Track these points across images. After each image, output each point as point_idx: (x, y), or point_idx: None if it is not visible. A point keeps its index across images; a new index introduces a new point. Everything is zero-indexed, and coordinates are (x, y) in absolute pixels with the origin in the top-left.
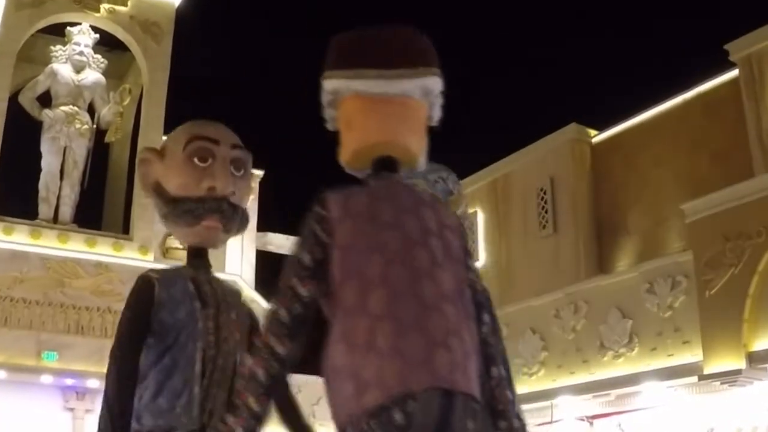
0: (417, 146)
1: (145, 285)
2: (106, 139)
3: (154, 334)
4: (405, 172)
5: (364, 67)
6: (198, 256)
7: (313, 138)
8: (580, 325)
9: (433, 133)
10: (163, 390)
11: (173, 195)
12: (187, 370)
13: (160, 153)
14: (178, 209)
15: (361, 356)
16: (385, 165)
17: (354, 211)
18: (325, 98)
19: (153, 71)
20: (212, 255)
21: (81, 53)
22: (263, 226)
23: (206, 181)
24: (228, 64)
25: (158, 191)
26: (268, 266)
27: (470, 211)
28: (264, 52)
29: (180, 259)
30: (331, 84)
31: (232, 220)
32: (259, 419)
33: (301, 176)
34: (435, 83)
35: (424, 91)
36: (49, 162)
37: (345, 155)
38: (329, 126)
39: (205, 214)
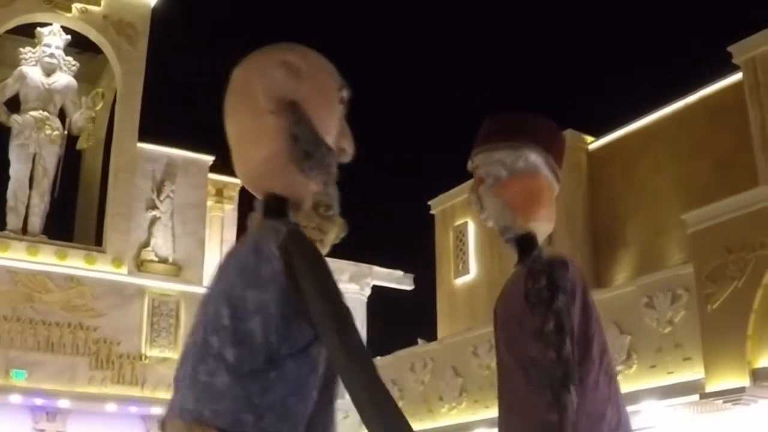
0: None
1: None
2: (78, 146)
3: None
4: None
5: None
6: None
7: None
8: None
9: (423, 142)
10: None
11: (321, 137)
12: None
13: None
14: (324, 158)
15: None
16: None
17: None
18: (512, 159)
19: (127, 75)
20: (190, 266)
21: (51, 55)
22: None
23: (345, 140)
24: (208, 67)
25: (299, 118)
26: None
27: (461, 222)
28: (244, 50)
29: (156, 272)
30: (531, 154)
31: None
32: None
33: None
34: None
35: None
36: (17, 170)
37: (544, 224)
38: (482, 173)
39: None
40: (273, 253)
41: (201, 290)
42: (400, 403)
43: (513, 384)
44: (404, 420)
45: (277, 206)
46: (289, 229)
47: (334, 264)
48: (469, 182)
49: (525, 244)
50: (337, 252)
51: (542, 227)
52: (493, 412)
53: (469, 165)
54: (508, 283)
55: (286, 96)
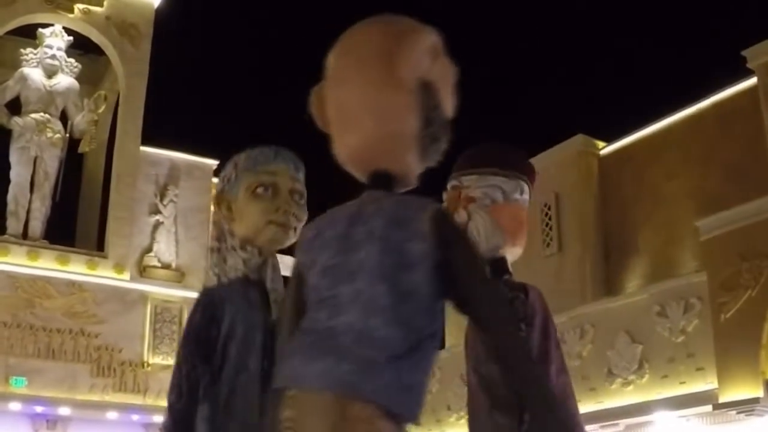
0: None
1: None
2: (80, 149)
3: None
4: None
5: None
6: None
7: (301, 143)
8: (587, 350)
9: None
10: None
11: (449, 125)
12: None
13: None
14: (443, 146)
15: None
16: None
17: None
18: (510, 187)
19: (130, 76)
20: (193, 272)
21: (53, 57)
22: None
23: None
24: (213, 69)
25: (437, 103)
26: None
27: None
28: (249, 54)
29: (159, 278)
30: (525, 187)
31: None
32: None
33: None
34: None
35: None
36: (18, 173)
37: (519, 250)
38: (476, 193)
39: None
40: (424, 232)
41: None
42: None
43: (478, 403)
44: (572, 411)
45: (387, 184)
46: (438, 209)
47: None
48: None
49: (499, 267)
50: None
51: (517, 252)
52: None
53: (454, 183)
54: None
55: (424, 76)
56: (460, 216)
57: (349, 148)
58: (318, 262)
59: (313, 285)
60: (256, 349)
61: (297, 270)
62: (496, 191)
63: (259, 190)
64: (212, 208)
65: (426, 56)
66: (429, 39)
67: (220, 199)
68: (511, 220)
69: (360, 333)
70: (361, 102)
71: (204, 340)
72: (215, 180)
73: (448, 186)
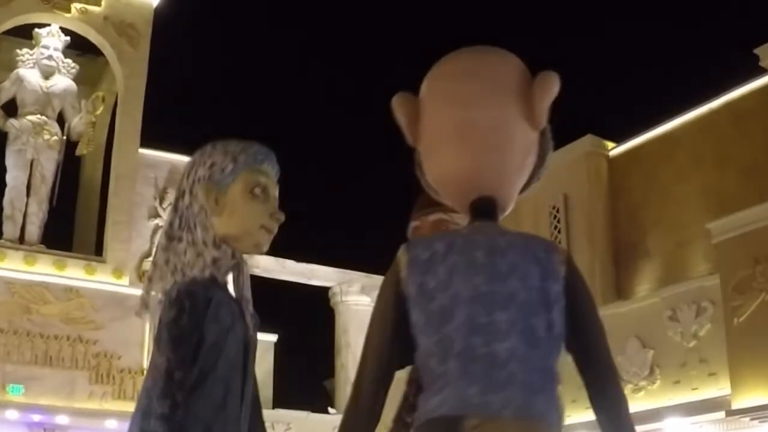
0: None
1: None
2: (78, 152)
3: None
4: None
5: None
6: None
7: (302, 150)
8: None
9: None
10: None
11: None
12: None
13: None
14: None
15: None
16: None
17: None
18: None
19: (128, 77)
20: None
21: (50, 57)
22: None
23: None
24: (213, 69)
25: (549, 140)
26: (254, 291)
27: None
28: (249, 54)
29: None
30: None
31: None
32: None
33: (289, 191)
34: None
35: None
36: (14, 176)
37: None
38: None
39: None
40: (558, 273)
41: None
42: None
43: None
44: None
45: (494, 213)
46: (568, 252)
47: (344, 275)
48: None
49: None
50: (348, 263)
51: None
52: None
53: (442, 216)
54: None
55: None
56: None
57: (462, 169)
58: (458, 288)
59: (458, 310)
60: (238, 367)
61: (407, 289)
62: None
63: (257, 190)
64: (186, 192)
65: (551, 102)
66: (557, 86)
67: (209, 187)
68: None
69: (527, 362)
70: (496, 130)
71: (195, 346)
72: None
73: (431, 217)
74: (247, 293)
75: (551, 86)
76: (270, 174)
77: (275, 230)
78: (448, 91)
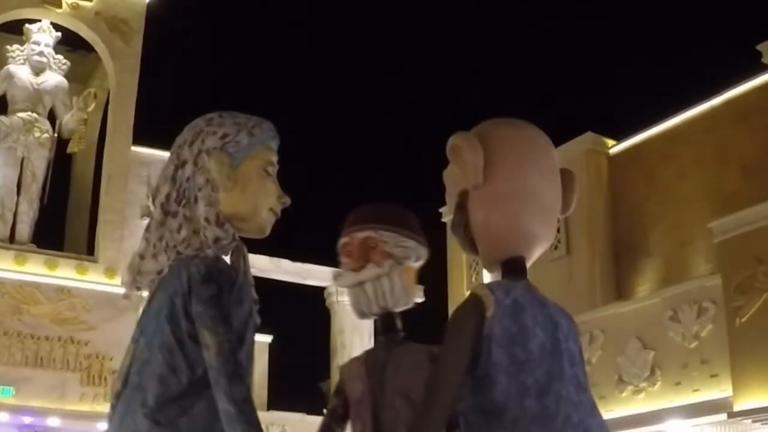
0: None
1: None
2: (69, 149)
3: None
4: None
5: None
6: None
7: (297, 149)
8: (596, 357)
9: (434, 144)
10: None
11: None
12: None
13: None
14: None
15: None
16: None
17: None
18: (422, 251)
19: (121, 74)
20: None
21: (41, 53)
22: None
23: None
24: (207, 65)
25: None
26: None
27: None
28: (243, 50)
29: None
30: None
31: None
32: None
33: (284, 190)
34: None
35: None
36: (4, 175)
37: None
38: (389, 247)
39: None
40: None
41: None
42: None
43: None
44: None
45: (525, 272)
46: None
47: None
48: None
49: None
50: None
51: None
52: None
53: (370, 234)
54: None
55: None
56: (372, 269)
57: (518, 227)
58: (543, 368)
59: (556, 386)
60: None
61: (493, 329)
62: (411, 254)
63: (270, 169)
64: (188, 162)
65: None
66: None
67: (222, 160)
68: (412, 283)
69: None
70: (553, 205)
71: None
72: None
73: (360, 234)
74: (251, 278)
75: (577, 186)
76: (276, 154)
77: (279, 215)
78: (530, 157)
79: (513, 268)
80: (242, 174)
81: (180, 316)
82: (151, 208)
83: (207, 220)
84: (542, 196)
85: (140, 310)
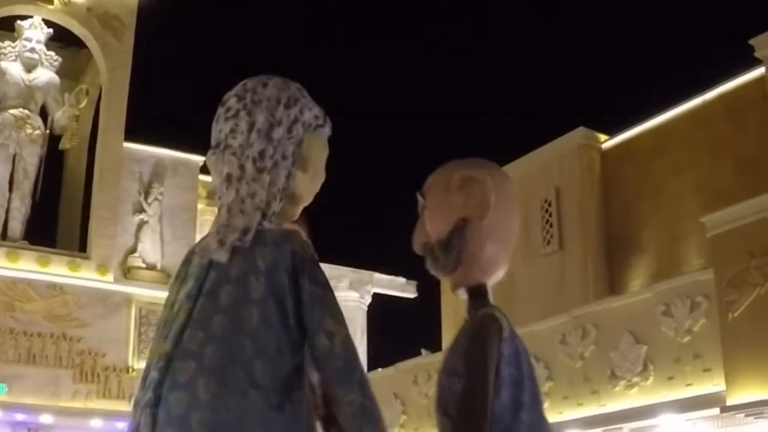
0: None
1: None
2: (61, 146)
3: None
4: None
5: None
6: None
7: None
8: (589, 351)
9: (423, 139)
10: None
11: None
12: None
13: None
14: None
15: None
16: None
17: None
18: None
19: (113, 70)
20: None
21: (32, 50)
22: None
23: None
24: (199, 61)
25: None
26: None
27: None
28: (235, 47)
29: (144, 280)
30: None
31: None
32: None
33: None
34: None
35: None
36: None
37: None
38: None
39: None
40: None
41: None
42: (402, 418)
43: None
44: None
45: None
46: None
47: (332, 270)
48: None
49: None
50: (337, 258)
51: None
52: None
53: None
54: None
55: None
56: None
57: (504, 265)
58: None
59: (538, 405)
60: None
61: (505, 349)
62: None
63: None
64: (282, 125)
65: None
66: None
67: (316, 139)
68: None
69: None
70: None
71: None
72: (202, 177)
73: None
74: None
75: None
76: None
77: None
78: (516, 202)
79: (483, 293)
80: (316, 162)
81: (286, 293)
82: (143, 205)
83: (278, 190)
84: (515, 235)
85: (131, 309)
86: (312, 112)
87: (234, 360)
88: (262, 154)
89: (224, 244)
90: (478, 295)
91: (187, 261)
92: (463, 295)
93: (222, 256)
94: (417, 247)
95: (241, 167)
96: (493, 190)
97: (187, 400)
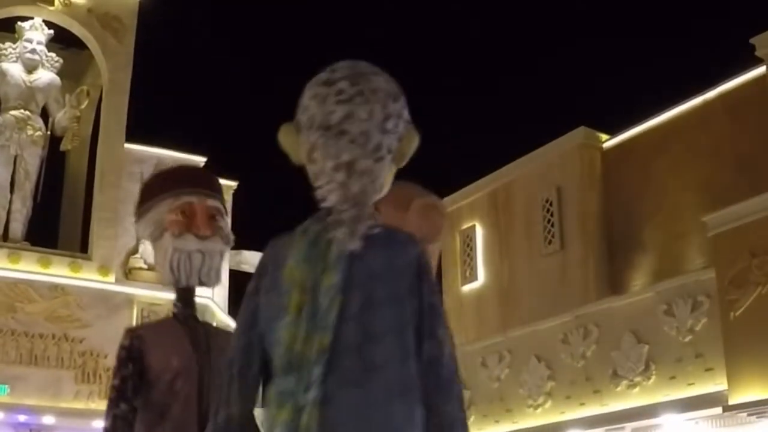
0: None
1: None
2: (62, 147)
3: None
4: None
5: None
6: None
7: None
8: (591, 351)
9: (426, 139)
10: None
11: None
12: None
13: None
14: None
15: None
16: None
17: None
18: None
19: (113, 71)
20: None
21: (33, 51)
22: (237, 243)
23: None
24: (200, 62)
25: None
26: (242, 288)
27: (468, 225)
28: (236, 48)
29: (145, 280)
30: None
31: None
32: None
33: (279, 188)
34: None
35: None
36: None
37: None
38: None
39: None
40: None
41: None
42: None
43: None
44: None
45: None
46: None
47: None
48: (477, 183)
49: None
50: None
51: None
52: (504, 426)
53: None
54: None
55: None
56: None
57: None
58: None
59: None
60: None
61: None
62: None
63: None
64: (392, 119)
65: None
66: None
67: (413, 138)
68: None
69: None
70: None
71: None
72: None
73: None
74: None
75: None
76: None
77: None
78: None
79: None
80: (406, 159)
81: (409, 297)
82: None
83: (382, 186)
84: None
85: (133, 309)
86: (407, 110)
87: (396, 358)
88: (379, 145)
89: (356, 234)
90: None
91: (315, 243)
92: None
93: (359, 248)
94: None
95: (363, 156)
96: (444, 219)
97: (364, 399)
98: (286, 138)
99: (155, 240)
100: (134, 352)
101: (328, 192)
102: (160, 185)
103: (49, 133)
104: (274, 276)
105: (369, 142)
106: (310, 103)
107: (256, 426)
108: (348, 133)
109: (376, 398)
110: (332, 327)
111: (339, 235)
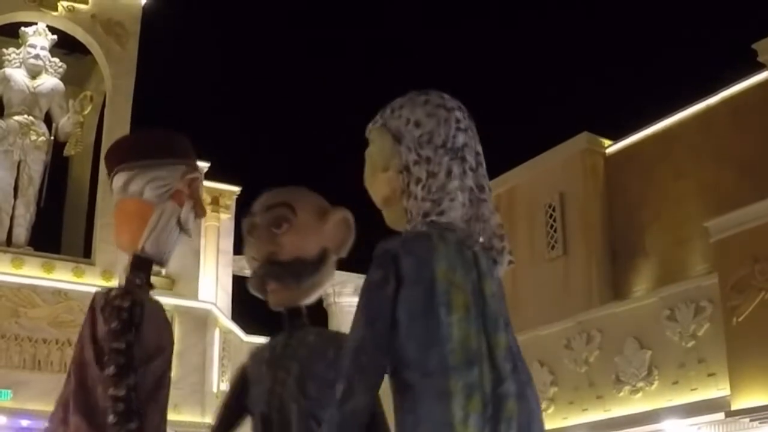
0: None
1: None
2: (65, 153)
3: None
4: None
5: None
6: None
7: (295, 152)
8: (594, 356)
9: None
10: None
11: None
12: None
13: None
14: None
15: None
16: None
17: None
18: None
19: (117, 77)
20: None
21: (37, 56)
22: (241, 249)
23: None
24: (202, 68)
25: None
26: (245, 293)
27: None
28: (242, 61)
29: None
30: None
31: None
32: None
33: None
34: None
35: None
36: (1, 178)
37: None
38: None
39: None
40: None
41: (196, 304)
42: None
43: None
44: None
45: None
46: None
47: (337, 276)
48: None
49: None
50: (341, 263)
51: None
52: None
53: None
54: None
55: None
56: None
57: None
58: None
59: None
60: None
61: None
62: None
63: None
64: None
65: None
66: None
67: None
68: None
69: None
70: None
71: None
72: (206, 183)
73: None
74: None
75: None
76: None
77: None
78: None
79: (302, 313)
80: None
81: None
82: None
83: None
84: None
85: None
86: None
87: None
88: (429, 160)
89: (505, 256)
90: (299, 314)
91: (460, 251)
92: (282, 311)
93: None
94: (261, 254)
95: (480, 187)
96: (353, 235)
97: (535, 398)
98: (383, 141)
99: (157, 203)
100: (136, 318)
101: (448, 208)
102: (172, 148)
103: (52, 138)
104: (419, 271)
105: (423, 159)
106: (427, 121)
107: (373, 416)
108: (466, 161)
109: (537, 400)
110: (504, 329)
111: (493, 253)
